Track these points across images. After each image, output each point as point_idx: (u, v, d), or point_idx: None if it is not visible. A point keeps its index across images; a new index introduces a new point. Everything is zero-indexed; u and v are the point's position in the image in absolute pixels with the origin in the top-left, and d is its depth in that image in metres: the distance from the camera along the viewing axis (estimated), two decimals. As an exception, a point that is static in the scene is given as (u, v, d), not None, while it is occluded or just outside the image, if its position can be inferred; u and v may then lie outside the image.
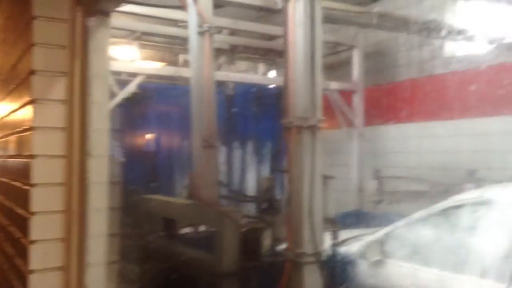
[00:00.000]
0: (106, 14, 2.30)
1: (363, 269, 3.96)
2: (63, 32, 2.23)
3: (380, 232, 4.01)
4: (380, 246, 3.86)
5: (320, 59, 3.83)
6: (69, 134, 2.25)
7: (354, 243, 4.15)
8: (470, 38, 5.99)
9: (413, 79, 8.54)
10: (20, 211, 2.37)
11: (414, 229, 3.77)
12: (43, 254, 2.21)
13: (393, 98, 8.82)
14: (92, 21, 2.25)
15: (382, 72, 9.05)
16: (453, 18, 7.88)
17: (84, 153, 2.27)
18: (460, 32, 5.88)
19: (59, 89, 2.23)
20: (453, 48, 8.00)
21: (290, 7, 3.77)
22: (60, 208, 2.24)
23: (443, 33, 5.84)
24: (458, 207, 3.54)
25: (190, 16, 4.74)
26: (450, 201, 3.65)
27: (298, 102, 3.80)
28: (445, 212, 3.60)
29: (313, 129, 3.79)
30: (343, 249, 4.13)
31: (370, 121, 8.83)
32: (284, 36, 3.87)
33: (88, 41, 2.25)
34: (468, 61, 7.57)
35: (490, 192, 3.56)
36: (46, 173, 2.22)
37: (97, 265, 2.34)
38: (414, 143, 8.46)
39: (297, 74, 3.78)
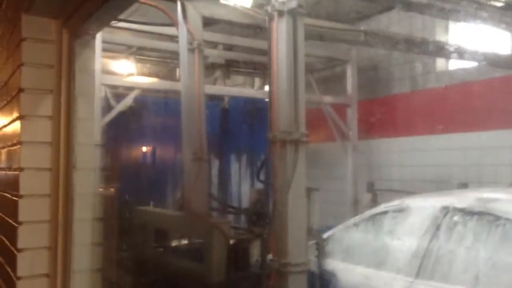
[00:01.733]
0: (91, 35, 2.42)
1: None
2: (50, 52, 2.36)
3: (324, 235, 4.42)
4: None
5: (303, 75, 3.96)
6: (55, 148, 2.35)
7: None
8: (459, 55, 6.14)
9: (406, 93, 8.65)
10: (9, 220, 2.47)
11: (349, 232, 4.23)
12: (30, 262, 2.30)
13: (386, 112, 8.91)
14: (78, 43, 2.38)
15: (376, 86, 9.16)
16: (443, 35, 8.05)
17: (69, 166, 2.37)
18: (449, 48, 6.03)
19: (46, 106, 2.35)
20: (445, 63, 8.15)
21: (274, 25, 3.91)
22: (46, 218, 2.33)
23: (432, 49, 5.98)
24: (383, 213, 3.98)
25: (181, 33, 4.88)
26: (377, 208, 4.11)
27: (282, 117, 3.92)
28: (373, 218, 4.05)
29: (296, 143, 3.90)
30: None
31: (364, 134, 8.93)
32: (268, 52, 4.01)
33: (74, 61, 2.37)
34: (460, 75, 7.70)
35: (407, 201, 3.97)
36: (33, 185, 2.32)
37: (81, 272, 2.41)
38: (407, 156, 8.54)
39: (280, 89, 3.90)
